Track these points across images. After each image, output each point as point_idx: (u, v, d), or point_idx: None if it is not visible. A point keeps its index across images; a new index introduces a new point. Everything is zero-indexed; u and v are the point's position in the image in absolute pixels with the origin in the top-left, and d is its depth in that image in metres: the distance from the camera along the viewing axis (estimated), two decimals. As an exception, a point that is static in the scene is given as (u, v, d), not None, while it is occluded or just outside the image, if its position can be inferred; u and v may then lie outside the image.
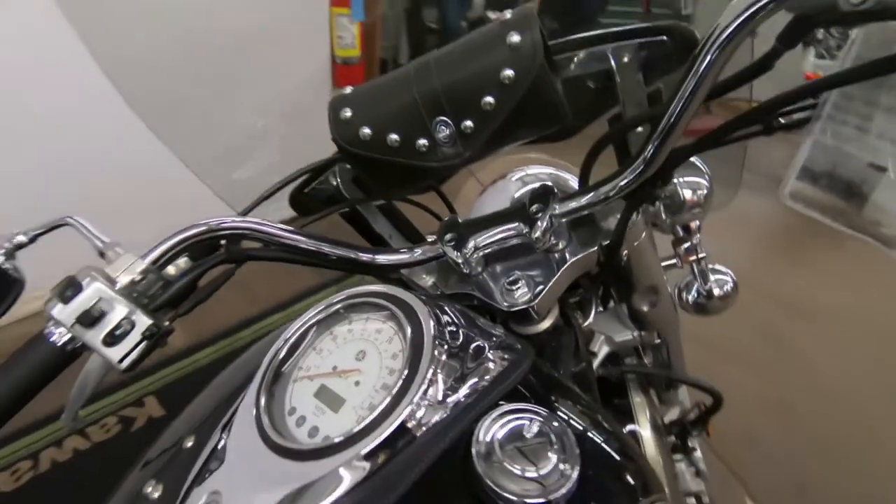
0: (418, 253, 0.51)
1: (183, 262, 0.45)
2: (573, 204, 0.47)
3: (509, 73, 0.40)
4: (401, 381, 0.33)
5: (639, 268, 0.57)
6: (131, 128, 0.62)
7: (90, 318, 0.38)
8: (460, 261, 0.49)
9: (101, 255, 0.42)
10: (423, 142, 0.44)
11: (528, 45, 0.40)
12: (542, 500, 0.29)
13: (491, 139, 0.44)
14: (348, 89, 0.47)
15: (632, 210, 0.48)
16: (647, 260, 0.57)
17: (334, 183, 0.56)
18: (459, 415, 0.33)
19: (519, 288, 0.50)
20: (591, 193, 0.47)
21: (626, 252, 0.54)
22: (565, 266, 0.49)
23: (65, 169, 1.37)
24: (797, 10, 0.32)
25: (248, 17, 0.94)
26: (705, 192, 0.65)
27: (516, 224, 0.48)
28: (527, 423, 0.32)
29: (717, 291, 0.69)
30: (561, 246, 0.50)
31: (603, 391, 0.66)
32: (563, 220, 0.48)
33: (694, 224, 0.67)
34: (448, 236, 0.50)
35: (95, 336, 0.38)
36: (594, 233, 0.51)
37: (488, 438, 0.31)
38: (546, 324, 0.52)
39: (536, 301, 0.49)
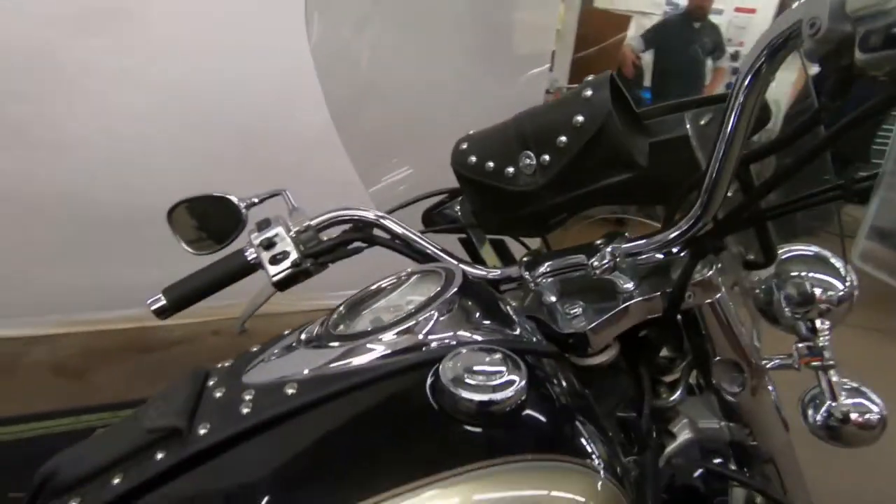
0: (498, 272, 0.62)
1: (335, 231, 0.64)
2: (634, 243, 0.52)
3: (580, 118, 0.50)
4: (414, 309, 0.44)
5: (714, 334, 0.55)
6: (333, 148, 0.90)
7: (267, 243, 0.59)
8: (528, 277, 0.57)
9: (290, 213, 0.64)
10: (510, 169, 0.56)
11: (598, 98, 0.50)
12: (485, 398, 0.36)
13: (567, 176, 0.53)
14: (472, 131, 0.62)
15: (695, 259, 0.50)
16: (725, 328, 0.54)
17: (457, 210, 0.71)
18: (459, 343, 0.42)
19: (578, 316, 0.54)
20: (652, 238, 0.51)
21: (695, 308, 0.53)
22: (627, 303, 0.52)
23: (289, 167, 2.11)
24: (808, 55, 0.34)
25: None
26: (837, 293, 0.59)
27: (580, 255, 0.55)
28: (494, 352, 0.39)
29: (854, 416, 0.57)
30: (628, 287, 0.54)
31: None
32: (628, 259, 0.53)
33: (821, 324, 0.59)
34: (526, 259, 0.59)
35: (266, 256, 0.59)
36: (663, 282, 0.53)
37: (460, 356, 0.39)
38: (600, 359, 0.54)
39: (590, 328, 0.52)
